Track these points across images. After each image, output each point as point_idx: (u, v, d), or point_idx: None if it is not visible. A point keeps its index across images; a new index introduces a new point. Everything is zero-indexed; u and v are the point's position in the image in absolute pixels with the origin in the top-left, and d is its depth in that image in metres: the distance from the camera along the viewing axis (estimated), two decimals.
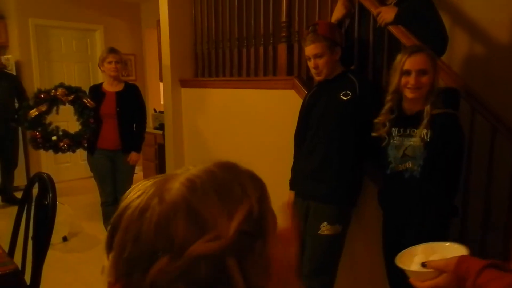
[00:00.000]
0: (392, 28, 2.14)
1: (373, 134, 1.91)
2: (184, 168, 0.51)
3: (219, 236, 0.43)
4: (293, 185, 2.30)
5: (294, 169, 2.32)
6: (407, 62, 1.74)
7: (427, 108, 1.74)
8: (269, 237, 0.47)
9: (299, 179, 2.25)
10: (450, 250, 1.01)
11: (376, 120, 1.90)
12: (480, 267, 0.85)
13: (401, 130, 1.84)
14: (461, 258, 0.90)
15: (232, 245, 0.43)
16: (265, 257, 0.46)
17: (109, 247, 0.48)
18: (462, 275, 0.87)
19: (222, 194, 0.46)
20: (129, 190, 0.51)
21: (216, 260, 0.43)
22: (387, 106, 1.87)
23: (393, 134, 1.86)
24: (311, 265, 2.12)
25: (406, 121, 1.82)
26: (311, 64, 2.11)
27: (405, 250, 1.09)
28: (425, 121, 1.73)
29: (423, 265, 0.96)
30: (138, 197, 0.48)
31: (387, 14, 2.13)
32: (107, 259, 0.48)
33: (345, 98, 2.05)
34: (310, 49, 2.08)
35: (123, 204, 0.49)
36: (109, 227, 0.49)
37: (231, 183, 0.48)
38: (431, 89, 1.75)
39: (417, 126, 1.77)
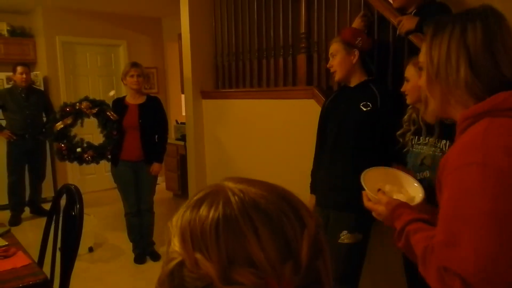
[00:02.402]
0: (412, 37, 2.13)
1: (399, 132, 1.92)
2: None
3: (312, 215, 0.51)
4: (313, 188, 2.31)
5: (314, 174, 2.32)
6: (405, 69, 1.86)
7: (446, 118, 1.73)
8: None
9: (319, 188, 2.25)
10: (414, 190, 1.27)
11: (398, 133, 1.90)
12: (411, 218, 1.05)
13: (421, 138, 1.83)
14: (400, 204, 1.13)
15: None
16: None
17: (229, 266, 0.44)
18: (394, 217, 1.11)
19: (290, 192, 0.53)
20: (179, 213, 0.51)
21: (321, 236, 0.50)
22: (407, 115, 1.88)
23: (413, 142, 1.85)
24: (332, 273, 2.10)
25: (426, 130, 1.81)
26: (330, 61, 2.19)
27: (383, 168, 1.40)
28: (437, 130, 1.73)
29: (378, 189, 1.22)
30: (212, 205, 0.48)
31: (408, 22, 2.13)
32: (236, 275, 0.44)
33: (364, 109, 2.05)
34: (330, 49, 2.19)
35: (194, 221, 0.48)
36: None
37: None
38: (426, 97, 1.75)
39: (437, 136, 1.76)
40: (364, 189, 1.31)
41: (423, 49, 1.01)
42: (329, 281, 0.49)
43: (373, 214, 1.23)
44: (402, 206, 1.13)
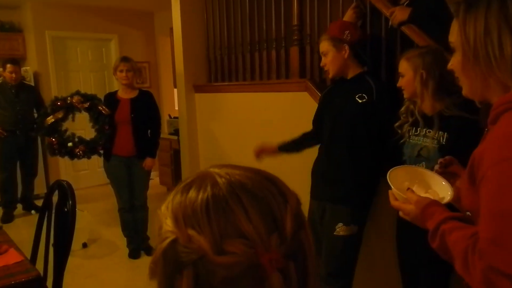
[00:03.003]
0: (405, 28, 2.12)
1: (397, 124, 1.92)
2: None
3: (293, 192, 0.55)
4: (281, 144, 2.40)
5: (293, 139, 2.38)
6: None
7: (439, 110, 1.74)
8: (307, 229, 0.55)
9: (315, 181, 2.25)
10: (442, 188, 1.18)
11: (396, 124, 1.90)
12: (445, 216, 0.97)
13: (418, 129, 1.83)
14: (431, 202, 1.05)
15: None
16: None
17: (221, 238, 0.47)
18: (425, 217, 1.02)
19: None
20: (169, 198, 0.54)
21: (301, 210, 0.54)
22: (404, 107, 1.88)
23: (410, 133, 1.86)
24: (327, 267, 2.11)
25: (423, 122, 1.81)
26: (322, 60, 2.18)
27: (409, 167, 1.31)
28: (436, 122, 1.73)
29: (408, 188, 1.15)
30: (200, 188, 0.51)
31: (401, 13, 2.12)
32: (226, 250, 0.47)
33: (360, 101, 2.04)
34: (319, 48, 2.18)
35: (184, 202, 0.51)
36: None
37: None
38: (439, 89, 1.74)
39: (432, 127, 1.76)
40: (390, 188, 1.22)
41: (455, 27, 0.92)
42: (311, 250, 0.53)
43: (400, 214, 1.15)
44: (434, 204, 1.05)
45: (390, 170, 1.24)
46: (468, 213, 0.98)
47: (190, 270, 0.46)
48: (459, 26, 0.90)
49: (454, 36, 0.93)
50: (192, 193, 0.50)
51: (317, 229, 2.18)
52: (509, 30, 0.83)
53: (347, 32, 2.08)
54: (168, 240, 0.49)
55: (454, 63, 0.95)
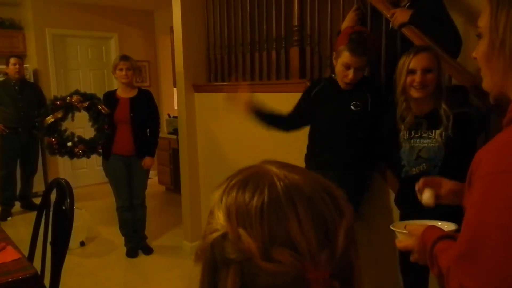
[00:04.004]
0: (405, 30, 2.12)
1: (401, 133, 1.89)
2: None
3: (351, 212, 0.51)
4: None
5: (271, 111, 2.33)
6: (412, 61, 1.75)
7: (444, 108, 1.73)
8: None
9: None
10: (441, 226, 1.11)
11: (405, 137, 1.86)
12: (437, 236, 0.89)
13: (412, 132, 1.82)
14: (428, 227, 0.97)
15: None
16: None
17: (270, 245, 0.46)
18: (424, 242, 0.93)
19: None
20: (218, 193, 0.52)
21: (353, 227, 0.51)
22: (403, 106, 1.85)
23: (404, 137, 1.83)
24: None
25: (417, 123, 1.80)
26: (349, 74, 2.02)
27: (409, 221, 1.25)
28: (445, 121, 1.72)
29: (405, 227, 1.08)
30: (258, 187, 0.49)
31: (401, 15, 2.12)
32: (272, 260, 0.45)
33: (354, 109, 2.06)
34: (355, 61, 1.99)
35: (240, 200, 0.49)
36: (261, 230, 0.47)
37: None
38: (437, 87, 1.74)
39: (430, 127, 1.76)
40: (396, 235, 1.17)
41: (486, 11, 0.84)
42: (359, 271, 0.50)
43: (411, 258, 1.03)
44: (431, 228, 0.97)
45: (393, 224, 1.21)
46: None
47: (237, 267, 0.46)
48: (490, 10, 0.82)
49: (483, 21, 0.84)
50: (248, 192, 0.48)
51: None
52: None
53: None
54: (218, 233, 0.48)
55: (478, 51, 0.87)
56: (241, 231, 0.46)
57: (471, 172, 0.81)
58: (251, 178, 0.50)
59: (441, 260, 0.86)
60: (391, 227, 1.16)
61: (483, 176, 0.74)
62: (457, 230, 1.01)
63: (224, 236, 0.47)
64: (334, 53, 2.14)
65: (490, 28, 0.81)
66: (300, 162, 2.37)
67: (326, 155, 2.16)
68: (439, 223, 1.14)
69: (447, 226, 1.12)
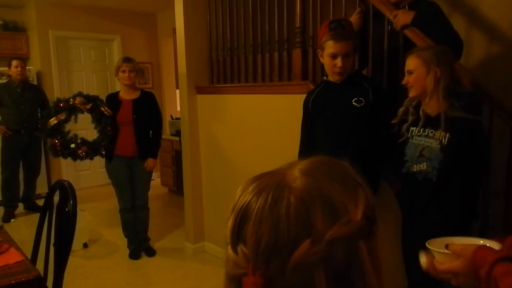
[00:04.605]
0: (408, 31, 2.12)
1: (393, 120, 1.91)
2: (288, 164, 0.54)
3: (350, 220, 0.47)
4: None
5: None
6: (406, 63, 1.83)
7: (444, 110, 1.73)
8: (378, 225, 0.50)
9: None
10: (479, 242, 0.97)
11: (393, 121, 1.90)
12: (495, 257, 0.81)
13: (421, 130, 1.83)
14: (480, 247, 0.88)
15: (360, 229, 0.47)
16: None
17: (236, 241, 0.49)
18: (477, 263, 0.84)
19: (342, 183, 0.50)
20: (240, 189, 0.52)
21: (350, 243, 0.47)
22: (403, 108, 1.89)
23: (413, 133, 1.85)
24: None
25: (426, 122, 1.81)
26: (338, 62, 2.00)
27: (446, 238, 1.04)
28: (441, 122, 1.73)
29: (446, 247, 0.94)
30: (261, 189, 0.49)
31: (404, 17, 2.12)
32: (233, 252, 0.49)
33: (358, 105, 2.03)
34: (340, 47, 1.98)
35: (240, 201, 0.51)
36: (231, 225, 0.50)
37: (342, 173, 0.52)
38: (432, 89, 1.74)
39: (436, 128, 1.76)
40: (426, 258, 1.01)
41: None
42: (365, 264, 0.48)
43: (452, 282, 0.93)
44: (483, 248, 0.87)
45: (428, 242, 1.03)
46: None
47: (236, 285, 0.49)
48: None
49: None
50: (258, 204, 0.49)
51: None
52: None
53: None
54: (228, 240, 0.50)
55: None
56: (239, 247, 0.48)
57: None
58: (266, 187, 0.50)
59: (503, 283, 0.78)
60: (427, 245, 1.00)
61: None
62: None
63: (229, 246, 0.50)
64: (319, 50, 2.12)
65: None
66: None
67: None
68: (481, 241, 0.98)
69: (489, 244, 0.96)
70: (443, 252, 0.94)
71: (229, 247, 0.50)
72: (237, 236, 0.49)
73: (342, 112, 2.09)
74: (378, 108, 2.01)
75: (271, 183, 0.50)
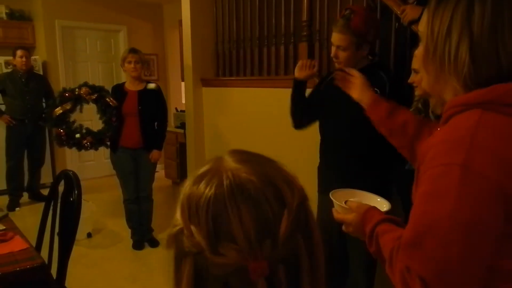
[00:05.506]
0: (415, 27, 2.10)
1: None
2: (216, 157, 0.58)
3: (299, 187, 0.56)
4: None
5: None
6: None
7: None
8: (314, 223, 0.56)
9: (327, 176, 2.18)
10: (378, 204, 1.20)
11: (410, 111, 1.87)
12: (380, 218, 0.98)
13: None
14: (371, 207, 1.06)
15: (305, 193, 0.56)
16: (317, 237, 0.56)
17: (216, 242, 0.50)
18: (365, 221, 1.02)
19: (276, 165, 0.58)
20: (185, 184, 0.56)
21: (305, 205, 0.55)
22: (413, 109, 1.86)
23: None
24: (361, 264, 2.08)
25: (435, 120, 1.79)
26: (332, 51, 1.98)
27: (349, 189, 1.31)
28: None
29: (345, 202, 1.15)
30: (218, 184, 0.52)
31: (412, 12, 2.10)
32: (216, 255, 0.50)
33: None
34: (335, 38, 1.93)
35: (192, 195, 0.53)
36: (204, 229, 0.51)
37: (279, 165, 0.58)
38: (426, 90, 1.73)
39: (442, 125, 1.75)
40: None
41: (425, 17, 0.90)
42: (308, 254, 0.53)
43: (343, 228, 1.13)
44: (373, 209, 1.05)
45: (332, 191, 1.26)
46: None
47: (191, 259, 0.51)
48: (427, 17, 0.88)
49: (422, 25, 0.91)
50: (200, 188, 0.53)
51: (331, 231, 2.16)
52: (469, 35, 0.80)
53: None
54: (177, 228, 0.53)
55: (418, 53, 0.94)
56: (193, 228, 0.51)
57: (419, 165, 0.86)
58: (207, 173, 0.55)
59: (382, 240, 0.93)
60: (330, 196, 1.20)
61: (428, 169, 0.79)
62: (388, 212, 1.13)
63: (181, 231, 0.53)
64: None
65: (426, 34, 0.87)
66: (307, 157, 2.36)
67: (341, 158, 2.08)
68: (378, 199, 1.23)
69: (385, 206, 1.21)
70: (341, 206, 1.14)
71: (206, 248, 0.50)
72: (215, 238, 0.50)
73: (354, 104, 2.05)
74: (395, 100, 1.96)
75: (220, 174, 0.53)
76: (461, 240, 0.73)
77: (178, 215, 0.54)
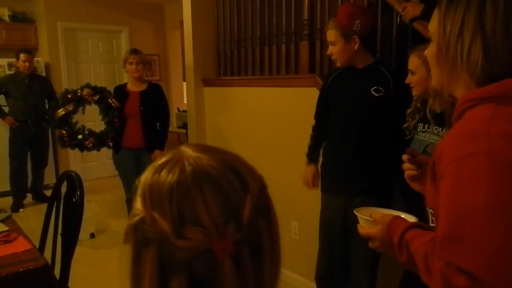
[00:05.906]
0: (417, 24, 2.10)
1: (405, 125, 1.88)
2: (176, 149, 0.60)
3: (258, 173, 0.59)
4: (311, 158, 2.30)
5: (314, 146, 2.31)
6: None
7: (447, 107, 1.72)
8: (273, 215, 0.58)
9: (331, 175, 2.19)
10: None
11: (408, 111, 1.87)
12: (407, 225, 0.96)
13: (426, 126, 1.81)
14: (395, 217, 1.04)
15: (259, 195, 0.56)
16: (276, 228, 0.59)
17: (181, 226, 0.51)
18: (392, 230, 0.99)
19: (240, 159, 0.60)
20: (144, 175, 0.58)
21: (264, 190, 0.58)
22: (411, 109, 1.86)
23: (418, 129, 1.84)
24: (364, 265, 2.07)
25: (432, 119, 1.79)
26: (329, 49, 2.07)
27: (373, 208, 1.25)
28: (447, 120, 1.71)
29: (370, 215, 1.12)
30: (170, 172, 0.54)
31: (413, 9, 2.10)
32: (181, 239, 0.51)
33: (376, 94, 1.96)
34: (327, 36, 2.06)
35: (154, 184, 0.55)
36: (169, 216, 0.52)
37: (238, 156, 0.60)
38: (436, 91, 1.72)
39: (441, 125, 1.74)
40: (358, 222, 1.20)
41: (435, 17, 0.91)
42: (270, 234, 0.56)
43: (369, 244, 1.09)
44: (398, 218, 1.04)
45: (355, 209, 1.23)
46: (430, 210, 0.95)
47: (154, 246, 0.52)
48: (439, 17, 0.89)
49: (433, 26, 0.92)
50: (162, 176, 0.54)
51: (333, 229, 2.15)
52: (482, 35, 0.82)
53: (357, 22, 1.94)
54: (137, 218, 0.53)
55: (429, 52, 0.95)
56: (156, 214, 0.52)
57: (433, 165, 0.87)
58: (168, 162, 0.56)
59: (413, 246, 0.91)
60: (354, 212, 1.18)
61: (450, 162, 0.79)
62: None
63: (142, 220, 0.53)
64: None
65: (438, 33, 0.88)
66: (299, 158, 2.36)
67: (346, 158, 2.09)
68: (403, 215, 1.18)
69: (412, 220, 1.14)
70: (366, 219, 1.10)
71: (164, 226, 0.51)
72: (180, 222, 0.51)
73: (359, 102, 2.04)
74: (398, 100, 1.94)
75: (182, 162, 0.55)
76: (500, 224, 0.72)
77: (138, 204, 0.55)
